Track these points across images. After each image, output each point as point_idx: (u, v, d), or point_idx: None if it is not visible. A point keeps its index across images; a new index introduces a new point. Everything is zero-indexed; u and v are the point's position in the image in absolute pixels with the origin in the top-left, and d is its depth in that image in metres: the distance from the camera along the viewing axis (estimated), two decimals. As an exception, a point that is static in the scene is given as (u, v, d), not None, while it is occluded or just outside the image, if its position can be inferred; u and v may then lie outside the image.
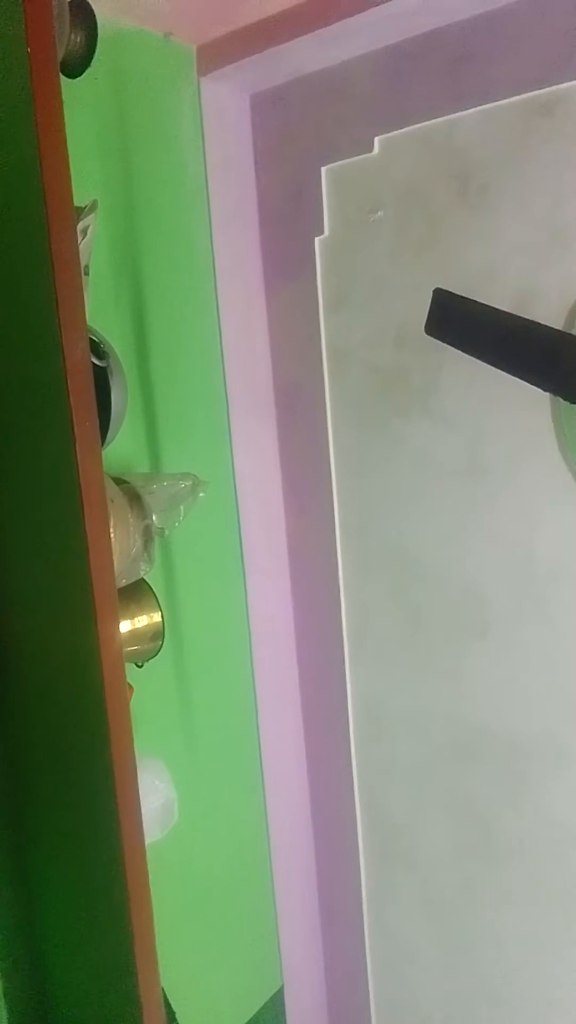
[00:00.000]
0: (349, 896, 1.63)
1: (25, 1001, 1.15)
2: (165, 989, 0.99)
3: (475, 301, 0.76)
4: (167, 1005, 0.99)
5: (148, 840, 0.92)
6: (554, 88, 1.15)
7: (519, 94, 1.18)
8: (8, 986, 1.13)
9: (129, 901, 0.88)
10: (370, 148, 1.33)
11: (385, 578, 1.46)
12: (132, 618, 1.15)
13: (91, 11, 1.08)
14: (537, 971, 1.40)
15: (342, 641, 1.53)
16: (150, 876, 0.90)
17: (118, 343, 1.16)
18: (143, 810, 0.91)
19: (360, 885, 1.60)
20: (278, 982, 1.62)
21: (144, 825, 0.90)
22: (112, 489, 1.05)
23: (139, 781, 0.89)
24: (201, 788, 1.41)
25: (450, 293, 0.78)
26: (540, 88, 1.16)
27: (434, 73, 1.26)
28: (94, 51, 1.09)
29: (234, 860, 1.52)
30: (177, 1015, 1.03)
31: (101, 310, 1.21)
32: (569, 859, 1.33)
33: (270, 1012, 1.60)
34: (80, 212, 1.03)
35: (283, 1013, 1.61)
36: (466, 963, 1.49)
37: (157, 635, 1.17)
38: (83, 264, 1.07)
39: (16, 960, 1.14)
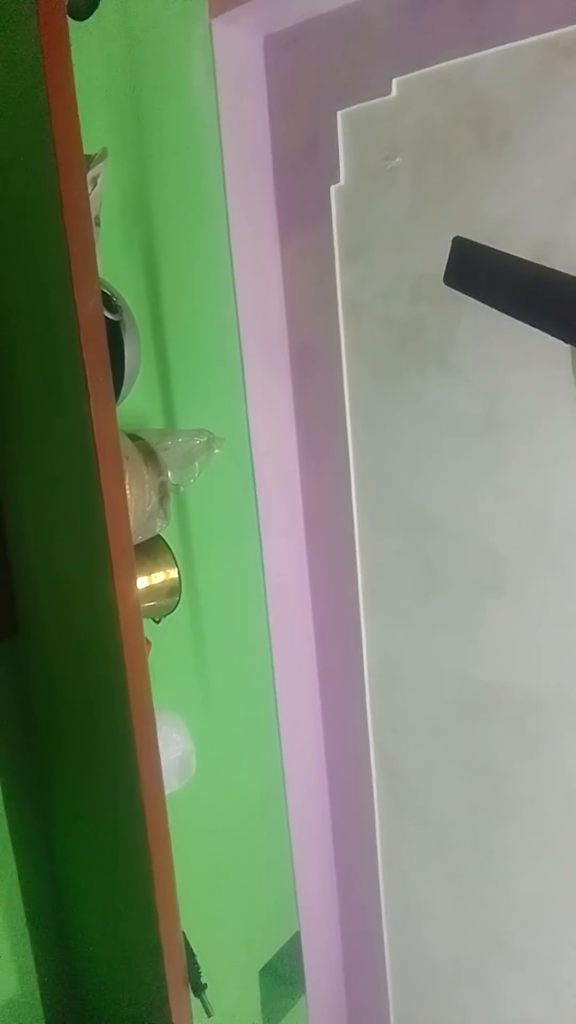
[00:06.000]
0: (364, 846, 1.66)
1: (50, 948, 1.19)
2: (185, 933, 1.01)
3: (496, 250, 0.74)
4: (188, 949, 1.02)
5: (167, 791, 0.94)
6: (579, 25, 1.10)
7: (542, 33, 1.13)
8: (33, 934, 1.16)
9: (150, 849, 0.90)
10: (387, 91, 1.29)
11: (400, 535, 1.45)
12: (149, 574, 1.15)
13: (98, -51, 1.04)
14: (547, 923, 1.43)
15: (357, 598, 1.54)
16: (170, 825, 0.92)
17: (130, 296, 1.15)
18: (162, 762, 0.92)
19: (375, 836, 1.63)
20: (294, 927, 1.66)
21: (163, 776, 0.92)
22: (127, 445, 1.05)
23: (158, 734, 0.90)
24: (218, 741, 1.43)
25: (470, 242, 0.75)
26: (564, 27, 1.11)
27: (454, 11, 1.21)
28: (102, -8, 1.05)
29: (251, 810, 1.55)
30: (197, 958, 1.06)
31: (112, 262, 1.19)
32: (582, 811, 1.35)
33: (287, 956, 1.65)
34: (90, 160, 1.01)
35: (300, 957, 1.66)
36: (477, 913, 1.52)
37: (174, 591, 1.17)
38: (94, 215, 1.04)
39: (40, 909, 1.17)
